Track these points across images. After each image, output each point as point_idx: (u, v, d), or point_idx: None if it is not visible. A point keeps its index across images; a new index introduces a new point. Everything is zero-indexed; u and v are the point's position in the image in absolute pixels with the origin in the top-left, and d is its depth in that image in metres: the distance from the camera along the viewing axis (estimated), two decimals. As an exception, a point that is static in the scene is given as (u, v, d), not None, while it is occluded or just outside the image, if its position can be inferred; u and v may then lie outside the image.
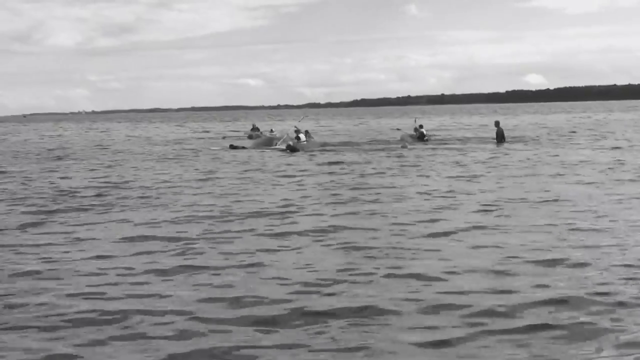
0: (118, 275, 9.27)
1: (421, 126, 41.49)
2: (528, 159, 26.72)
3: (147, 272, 9.37)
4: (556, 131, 50.05)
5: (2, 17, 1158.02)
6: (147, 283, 8.81)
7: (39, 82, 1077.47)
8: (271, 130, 41.40)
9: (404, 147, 34.69)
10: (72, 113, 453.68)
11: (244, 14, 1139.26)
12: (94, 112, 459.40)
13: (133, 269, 9.58)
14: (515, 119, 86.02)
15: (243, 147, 37.68)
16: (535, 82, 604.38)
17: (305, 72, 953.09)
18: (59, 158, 34.06)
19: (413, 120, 44.87)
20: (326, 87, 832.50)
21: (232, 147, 38.01)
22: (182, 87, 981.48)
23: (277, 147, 36.45)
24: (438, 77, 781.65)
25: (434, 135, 43.00)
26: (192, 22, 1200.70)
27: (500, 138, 36.40)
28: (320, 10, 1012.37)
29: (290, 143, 34.77)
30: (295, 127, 39.39)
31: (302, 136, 36.58)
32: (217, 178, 21.94)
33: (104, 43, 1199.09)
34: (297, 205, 15.22)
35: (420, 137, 39.15)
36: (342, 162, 27.20)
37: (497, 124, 37.63)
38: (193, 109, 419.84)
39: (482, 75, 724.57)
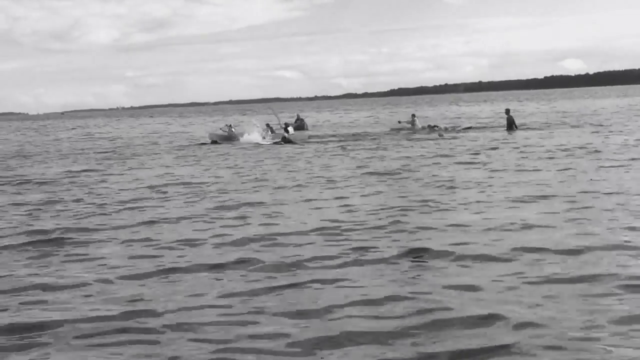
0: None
1: (414, 116, 44.29)
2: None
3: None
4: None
5: (41, 16, 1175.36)
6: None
7: (77, 80, 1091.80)
8: (229, 125, 41.80)
9: (440, 135, 35.93)
10: (110, 109, 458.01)
11: (278, 6, 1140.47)
12: (132, 108, 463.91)
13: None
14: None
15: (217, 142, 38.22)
16: (573, 67, 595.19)
17: (341, 63, 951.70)
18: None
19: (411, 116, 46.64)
20: (362, 77, 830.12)
21: (214, 142, 38.61)
22: (219, 80, 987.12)
23: (268, 140, 37.12)
24: (475, 64, 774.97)
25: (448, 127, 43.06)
26: (228, 15, 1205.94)
27: (510, 126, 37.47)
28: (355, 1, 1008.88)
29: (285, 135, 36.34)
30: (286, 121, 40.88)
31: (290, 129, 38.30)
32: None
33: (140, 39, 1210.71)
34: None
35: (413, 125, 42.18)
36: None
37: (507, 111, 38.89)
38: (230, 102, 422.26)
39: (519, 62, 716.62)
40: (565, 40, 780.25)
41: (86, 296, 8.40)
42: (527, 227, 11.29)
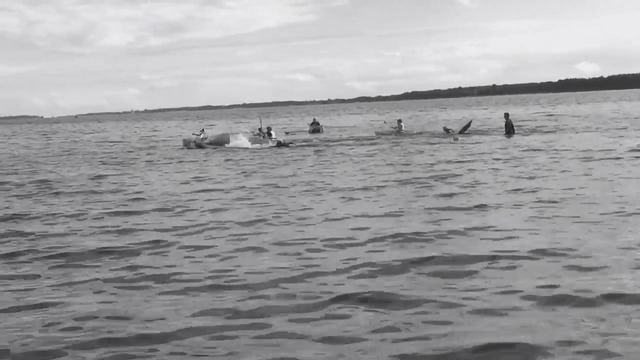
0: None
1: (400, 121, 45.10)
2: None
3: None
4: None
5: (57, 19, 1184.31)
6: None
7: (91, 83, 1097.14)
8: (202, 130, 41.78)
9: (455, 139, 35.65)
10: (124, 112, 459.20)
11: (292, 10, 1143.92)
12: (146, 111, 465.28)
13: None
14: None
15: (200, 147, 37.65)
16: (588, 70, 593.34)
17: (355, 66, 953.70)
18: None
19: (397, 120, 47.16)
20: (376, 80, 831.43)
21: (198, 146, 37.90)
22: (232, 84, 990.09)
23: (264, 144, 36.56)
24: (489, 67, 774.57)
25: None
26: (242, 19, 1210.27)
27: (509, 129, 37.29)
28: (369, 4, 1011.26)
29: (281, 140, 36.31)
30: (268, 125, 41.68)
31: (272, 133, 38.70)
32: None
33: (155, 42, 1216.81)
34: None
35: (399, 130, 43.09)
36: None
37: (506, 116, 38.71)
38: (244, 105, 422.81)
39: (533, 65, 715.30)
40: (580, 43, 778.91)
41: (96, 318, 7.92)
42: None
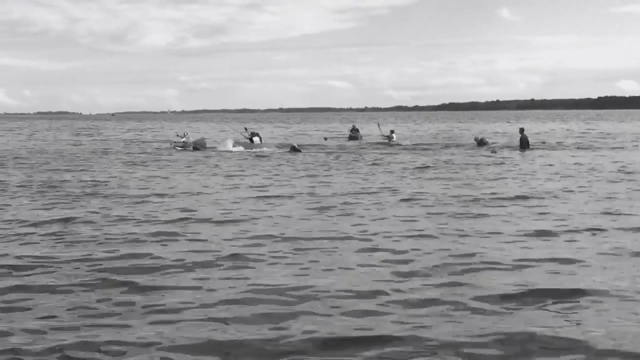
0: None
1: (392, 131, 46.86)
2: None
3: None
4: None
5: (99, 17, 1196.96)
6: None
7: (131, 82, 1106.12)
8: (185, 133, 43.26)
9: (493, 151, 35.05)
10: (161, 112, 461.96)
11: (333, 17, 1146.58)
12: (183, 112, 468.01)
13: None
14: None
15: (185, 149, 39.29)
16: (628, 88, 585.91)
17: (392, 75, 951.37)
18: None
19: (376, 124, 49.65)
20: (414, 90, 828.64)
21: (195, 148, 39.13)
22: (270, 88, 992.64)
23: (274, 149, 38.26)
24: (528, 81, 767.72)
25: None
26: (282, 24, 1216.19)
27: (524, 144, 37.31)
28: (410, 13, 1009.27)
29: (295, 145, 37.26)
30: (252, 131, 44.57)
31: (256, 139, 41.02)
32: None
33: (195, 44, 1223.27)
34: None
35: (390, 140, 44.49)
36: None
37: (521, 131, 39.00)
38: (281, 110, 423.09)
39: (572, 81, 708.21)
40: (621, 61, 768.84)
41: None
42: None
